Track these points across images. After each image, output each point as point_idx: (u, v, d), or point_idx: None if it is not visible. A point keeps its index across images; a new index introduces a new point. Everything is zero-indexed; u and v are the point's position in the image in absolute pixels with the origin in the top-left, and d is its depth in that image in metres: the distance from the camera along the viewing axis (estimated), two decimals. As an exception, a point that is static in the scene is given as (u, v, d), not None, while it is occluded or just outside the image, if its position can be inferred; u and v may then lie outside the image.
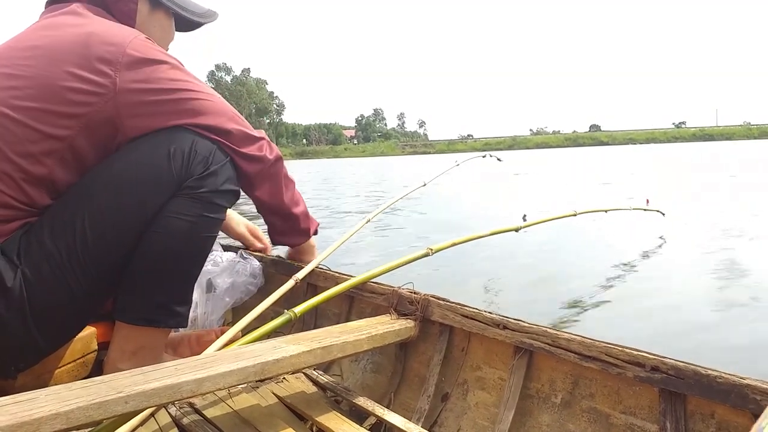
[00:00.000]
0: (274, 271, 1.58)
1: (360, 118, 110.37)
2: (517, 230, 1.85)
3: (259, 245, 1.65)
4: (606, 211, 2.89)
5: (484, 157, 2.62)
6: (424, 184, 2.07)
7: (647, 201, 3.55)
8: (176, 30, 1.28)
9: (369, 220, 1.74)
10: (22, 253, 0.95)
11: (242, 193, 1.21)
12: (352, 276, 1.31)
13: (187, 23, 1.29)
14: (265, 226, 1.41)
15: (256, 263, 1.57)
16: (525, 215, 2.03)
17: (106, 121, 1.01)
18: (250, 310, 1.15)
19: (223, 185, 1.09)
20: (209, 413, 1.02)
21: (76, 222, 0.97)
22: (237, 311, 1.69)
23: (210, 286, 1.46)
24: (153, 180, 1.02)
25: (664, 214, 3.58)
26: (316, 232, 1.46)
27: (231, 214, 1.62)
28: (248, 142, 1.16)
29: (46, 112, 0.96)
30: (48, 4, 1.13)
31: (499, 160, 2.65)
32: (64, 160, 1.00)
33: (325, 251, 1.46)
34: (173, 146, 1.04)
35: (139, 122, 1.04)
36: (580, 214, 2.41)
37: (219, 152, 1.10)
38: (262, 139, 1.20)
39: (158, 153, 1.03)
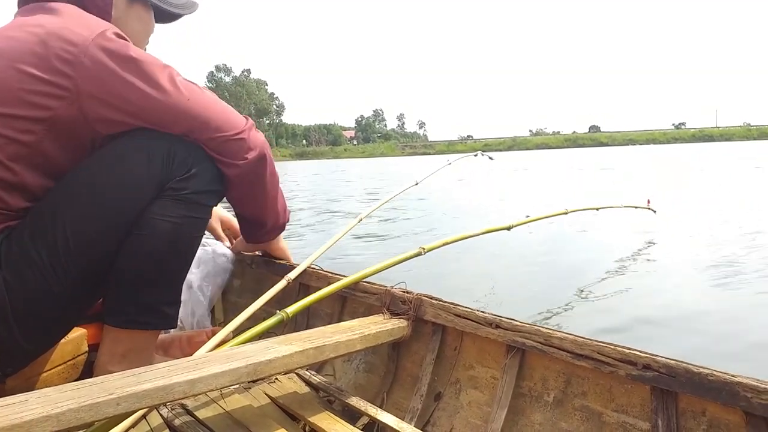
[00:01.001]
0: (266, 271, 1.58)
1: (360, 119, 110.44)
2: (509, 229, 1.84)
3: (227, 242, 1.63)
4: (597, 210, 2.89)
5: (475, 155, 2.61)
6: (416, 183, 2.07)
7: (648, 201, 3.55)
8: (155, 21, 1.25)
9: (361, 219, 1.73)
10: (3, 257, 0.94)
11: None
12: (344, 276, 1.31)
13: (166, 15, 1.26)
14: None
15: (220, 244, 1.58)
16: (528, 215, 2.03)
17: (72, 123, 0.98)
18: (242, 311, 1.15)
19: (206, 185, 1.08)
20: (201, 414, 1.02)
21: (56, 224, 0.96)
22: (228, 312, 1.68)
23: (186, 284, 1.45)
24: (132, 182, 1.01)
25: (655, 212, 3.58)
26: (288, 220, 1.41)
27: None
28: (225, 146, 1.09)
29: (8, 117, 0.93)
30: (20, 4, 1.09)
31: (490, 158, 2.64)
32: (34, 164, 0.97)
33: (317, 251, 1.45)
34: (152, 148, 1.02)
35: (106, 124, 1.01)
36: (571, 212, 2.41)
37: (200, 152, 1.08)
38: (242, 139, 1.11)
39: (137, 155, 1.01)
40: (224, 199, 1.21)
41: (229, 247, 1.63)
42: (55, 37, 0.96)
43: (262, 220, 1.32)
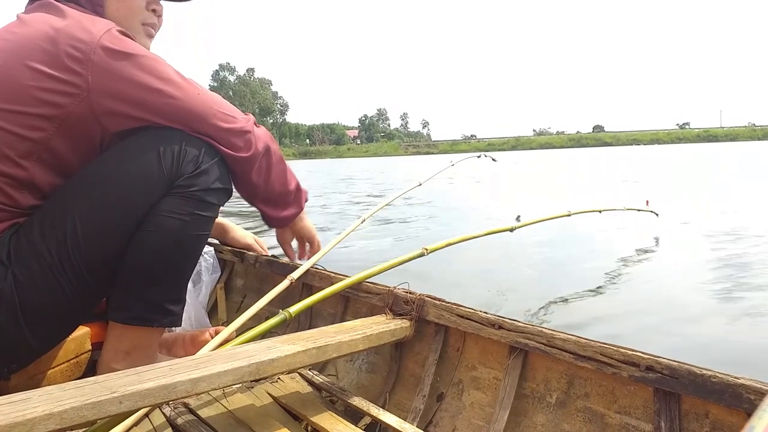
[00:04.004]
0: (269, 271, 1.58)
1: (363, 118, 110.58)
2: (511, 230, 1.84)
3: (264, 252, 1.70)
4: (600, 212, 2.88)
5: (479, 157, 2.61)
6: (420, 184, 2.06)
7: (647, 202, 3.54)
8: None
9: (364, 220, 1.73)
10: (12, 253, 0.94)
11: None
12: (347, 276, 1.30)
13: None
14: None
15: None
16: (531, 217, 2.02)
17: (82, 120, 0.99)
18: (245, 310, 1.15)
19: (214, 183, 1.09)
20: (204, 413, 1.02)
21: (66, 222, 0.97)
22: (231, 311, 1.69)
23: None
24: (144, 179, 1.02)
25: (657, 215, 3.57)
26: (306, 200, 1.42)
27: (236, 227, 1.72)
28: (231, 140, 1.11)
29: (18, 114, 0.94)
30: (29, 2, 1.09)
31: (494, 160, 2.64)
32: (43, 161, 0.98)
33: (320, 251, 1.45)
34: (163, 146, 1.03)
35: (116, 121, 1.02)
36: (574, 214, 2.39)
37: (210, 150, 1.09)
38: (248, 132, 1.15)
39: (148, 153, 1.02)
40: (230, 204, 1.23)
41: (225, 247, 1.65)
42: (64, 35, 0.96)
43: (275, 207, 1.32)
